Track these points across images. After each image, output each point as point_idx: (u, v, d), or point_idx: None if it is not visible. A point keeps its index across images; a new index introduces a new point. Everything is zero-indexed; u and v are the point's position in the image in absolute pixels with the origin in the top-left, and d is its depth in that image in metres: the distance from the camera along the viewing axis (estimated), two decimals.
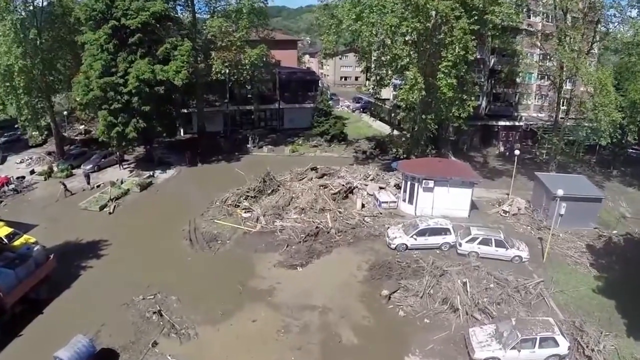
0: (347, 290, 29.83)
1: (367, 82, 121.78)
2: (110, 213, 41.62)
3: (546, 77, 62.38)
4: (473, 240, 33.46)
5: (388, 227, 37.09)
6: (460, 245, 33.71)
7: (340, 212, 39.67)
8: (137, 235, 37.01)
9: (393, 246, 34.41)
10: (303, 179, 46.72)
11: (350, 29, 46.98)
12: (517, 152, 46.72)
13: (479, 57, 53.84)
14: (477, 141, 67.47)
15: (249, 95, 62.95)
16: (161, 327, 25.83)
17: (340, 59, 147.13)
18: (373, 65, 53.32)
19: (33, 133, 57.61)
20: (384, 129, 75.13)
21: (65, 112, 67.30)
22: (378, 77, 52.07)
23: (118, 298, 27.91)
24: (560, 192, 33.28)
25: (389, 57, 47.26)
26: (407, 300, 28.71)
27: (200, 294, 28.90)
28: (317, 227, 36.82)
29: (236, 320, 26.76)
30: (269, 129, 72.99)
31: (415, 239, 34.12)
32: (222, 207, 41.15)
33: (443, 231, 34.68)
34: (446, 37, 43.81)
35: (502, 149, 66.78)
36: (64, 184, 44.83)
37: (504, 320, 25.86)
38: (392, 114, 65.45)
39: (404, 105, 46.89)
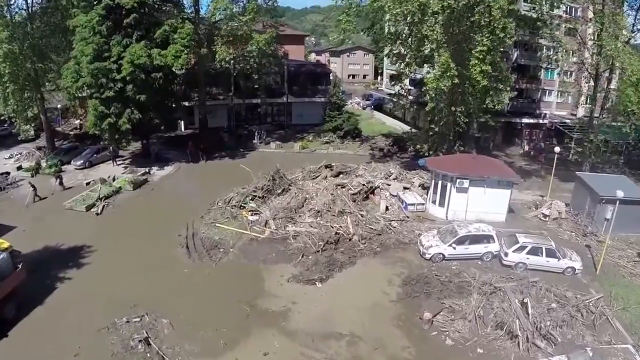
0: (379, 313, 24.58)
1: (379, 77, 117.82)
2: (97, 214, 36.72)
3: (574, 72, 59.21)
4: (521, 249, 28.89)
5: (420, 234, 32.48)
6: (506, 255, 29.17)
7: (362, 216, 34.42)
8: (126, 240, 31.91)
9: (428, 256, 29.62)
10: (316, 177, 41.75)
11: (374, 4, 42.34)
12: (557, 149, 42.04)
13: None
14: (499, 139, 62.63)
15: (257, 86, 57.50)
16: (148, 359, 20.62)
17: (348, 56, 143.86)
18: (393, 53, 47.77)
19: (23, 127, 53.14)
20: (398, 126, 71.70)
21: (59, 106, 63.08)
22: (401, 66, 46.65)
23: (97, 320, 22.77)
24: (620, 194, 28.47)
25: (415, 40, 42.18)
26: (454, 325, 23.68)
27: (197, 316, 23.58)
28: (336, 233, 31.68)
29: (242, 352, 21.39)
30: (276, 124, 68.70)
31: (454, 248, 29.41)
32: (225, 208, 36.06)
33: (485, 238, 30.04)
34: (481, 18, 39.44)
35: (526, 147, 62.34)
36: (32, 186, 39.61)
37: (577, 351, 21.05)
38: (412, 109, 59.98)
39: (432, 95, 41.61)
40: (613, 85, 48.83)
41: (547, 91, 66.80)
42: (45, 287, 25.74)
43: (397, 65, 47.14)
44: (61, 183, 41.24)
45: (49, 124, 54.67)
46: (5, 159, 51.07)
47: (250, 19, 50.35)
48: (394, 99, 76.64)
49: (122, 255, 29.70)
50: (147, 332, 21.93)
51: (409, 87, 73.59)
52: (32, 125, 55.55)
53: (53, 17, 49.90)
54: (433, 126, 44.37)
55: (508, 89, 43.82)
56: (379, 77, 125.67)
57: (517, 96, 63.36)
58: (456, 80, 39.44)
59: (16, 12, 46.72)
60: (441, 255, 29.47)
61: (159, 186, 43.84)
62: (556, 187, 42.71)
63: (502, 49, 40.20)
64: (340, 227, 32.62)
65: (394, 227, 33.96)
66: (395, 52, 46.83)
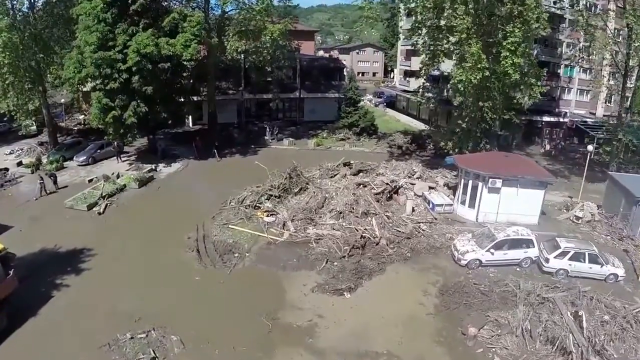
0: (416, 327, 21.64)
1: (392, 73, 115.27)
2: (100, 213, 33.91)
3: (594, 69, 56.83)
4: (563, 254, 26.50)
5: (452, 237, 29.88)
6: (547, 261, 26.72)
7: (388, 217, 31.51)
8: (131, 243, 29.07)
9: (464, 262, 26.99)
10: (335, 175, 38.77)
11: None
12: (590, 147, 39.72)
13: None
14: (519, 138, 59.94)
15: (269, 79, 54.57)
16: None
17: (358, 53, 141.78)
18: (420, 44, 44.71)
19: (25, 122, 51.08)
20: (413, 123, 69.61)
21: (62, 100, 61.56)
22: (426, 58, 43.77)
23: (97, 335, 19.88)
24: None
25: (444, 30, 39.49)
26: (501, 340, 20.80)
27: (212, 332, 20.61)
28: (362, 237, 28.74)
29: None
30: (287, 120, 65.82)
31: (492, 254, 26.85)
32: (239, 208, 33.17)
33: (525, 243, 27.38)
34: (514, 8, 36.91)
35: (547, 147, 59.59)
36: (42, 179, 37.35)
37: None
38: (430, 106, 57.06)
39: (461, 89, 38.80)
40: None
41: (567, 89, 64.56)
42: (40, 295, 22.99)
43: (422, 56, 44.04)
44: (55, 183, 38.33)
45: (51, 119, 52.23)
46: (6, 154, 48.53)
47: (263, 9, 47.43)
48: (414, 96, 74.72)
49: (125, 260, 26.90)
50: (154, 352, 19.02)
51: (427, 84, 71.69)
52: (33, 120, 53.53)
53: (56, 8, 47.60)
54: (460, 122, 41.33)
55: (539, 83, 41.15)
56: (391, 74, 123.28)
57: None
58: (487, 73, 37.16)
59: (17, 1, 44.45)
60: (478, 261, 26.95)
61: (166, 184, 41.04)
62: (583, 188, 40.05)
63: (535, 41, 37.69)
64: (365, 229, 29.74)
65: (423, 230, 31.07)
66: (420, 42, 43.65)
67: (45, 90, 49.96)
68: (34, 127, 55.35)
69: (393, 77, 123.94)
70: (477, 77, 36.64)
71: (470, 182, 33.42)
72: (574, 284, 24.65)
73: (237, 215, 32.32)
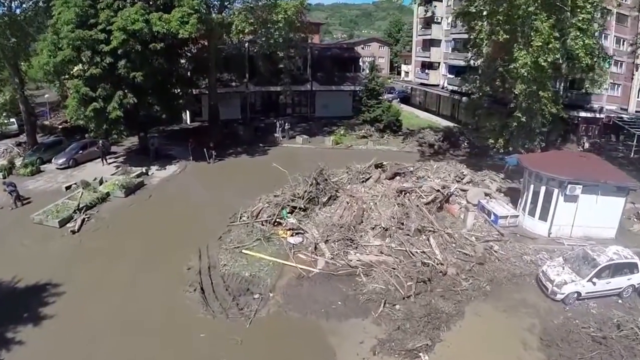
0: None
1: (397, 69, 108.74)
2: (74, 232, 26.48)
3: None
4: None
5: (536, 262, 23.28)
6: None
7: (450, 236, 24.16)
8: (110, 275, 21.67)
9: (560, 297, 20.33)
10: (367, 179, 31.24)
11: None
12: None
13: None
14: (556, 135, 53.51)
15: (282, 66, 46.84)
16: None
17: (363, 48, 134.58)
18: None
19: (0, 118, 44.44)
20: (434, 119, 63.31)
21: (47, 96, 55.50)
22: (480, 35, 36.67)
23: None
24: None
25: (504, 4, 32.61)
26: None
27: None
28: (424, 263, 21.44)
29: None
30: (298, 116, 58.52)
31: (594, 284, 20.55)
32: (253, 225, 25.71)
33: (627, 267, 21.24)
34: None
35: (586, 144, 53.06)
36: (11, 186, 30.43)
37: None
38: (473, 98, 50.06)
39: (524, 75, 31.58)
40: None
41: (600, 83, 58.35)
42: None
43: (473, 35, 36.77)
44: (18, 198, 30.61)
45: (29, 115, 45.33)
46: None
47: None
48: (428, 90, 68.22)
49: (101, 302, 19.46)
50: None
51: (449, 76, 64.75)
52: (7, 115, 46.28)
53: None
54: (519, 114, 34.07)
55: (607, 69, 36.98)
56: (395, 70, 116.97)
57: (569, 87, 55.17)
58: (557, 56, 31.44)
59: None
60: (576, 294, 20.50)
61: (159, 191, 33.62)
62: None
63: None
64: (424, 253, 22.40)
65: (496, 252, 23.69)
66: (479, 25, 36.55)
67: (22, 82, 43.77)
68: (15, 126, 49.00)
69: (400, 73, 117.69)
70: (548, 60, 30.43)
71: (544, 188, 26.43)
72: None
73: (252, 234, 24.73)
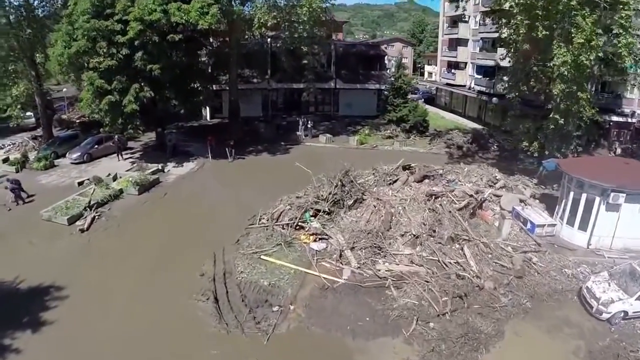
0: None
1: (431, 67, 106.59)
2: (83, 230, 24.97)
3: None
4: None
5: (576, 276, 21.16)
6: None
7: (485, 245, 22.07)
8: (117, 279, 20.08)
9: (606, 316, 18.32)
10: (395, 182, 29.17)
11: None
12: None
13: None
14: (584, 140, 51.05)
15: (305, 62, 44.94)
16: None
17: (386, 48, 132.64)
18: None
19: (14, 111, 42.19)
20: (460, 121, 61.40)
21: (64, 90, 55.07)
22: (507, 37, 34.55)
23: None
24: None
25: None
26: None
27: None
28: (458, 276, 19.44)
29: None
30: (321, 115, 56.49)
31: None
32: (273, 228, 23.90)
33: None
34: None
35: (618, 150, 49.99)
36: (14, 183, 29.04)
37: None
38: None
39: (564, 73, 29.26)
40: None
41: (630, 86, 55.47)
42: None
43: (509, 31, 34.58)
44: (19, 197, 29.00)
45: (45, 108, 44.59)
46: None
47: None
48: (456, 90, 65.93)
49: (104, 311, 17.84)
50: None
51: (477, 76, 62.42)
52: (23, 108, 45.19)
53: None
54: (557, 116, 31.72)
55: None
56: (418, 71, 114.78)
57: (601, 89, 52.74)
58: (600, 54, 29.31)
59: None
60: (622, 313, 18.46)
61: (175, 189, 32.02)
62: None
63: None
64: (458, 263, 20.39)
65: (535, 264, 21.52)
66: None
67: (38, 75, 42.64)
68: (32, 120, 48.42)
69: (423, 74, 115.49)
70: (590, 58, 28.12)
71: (584, 195, 24.13)
72: None
73: (272, 238, 22.87)
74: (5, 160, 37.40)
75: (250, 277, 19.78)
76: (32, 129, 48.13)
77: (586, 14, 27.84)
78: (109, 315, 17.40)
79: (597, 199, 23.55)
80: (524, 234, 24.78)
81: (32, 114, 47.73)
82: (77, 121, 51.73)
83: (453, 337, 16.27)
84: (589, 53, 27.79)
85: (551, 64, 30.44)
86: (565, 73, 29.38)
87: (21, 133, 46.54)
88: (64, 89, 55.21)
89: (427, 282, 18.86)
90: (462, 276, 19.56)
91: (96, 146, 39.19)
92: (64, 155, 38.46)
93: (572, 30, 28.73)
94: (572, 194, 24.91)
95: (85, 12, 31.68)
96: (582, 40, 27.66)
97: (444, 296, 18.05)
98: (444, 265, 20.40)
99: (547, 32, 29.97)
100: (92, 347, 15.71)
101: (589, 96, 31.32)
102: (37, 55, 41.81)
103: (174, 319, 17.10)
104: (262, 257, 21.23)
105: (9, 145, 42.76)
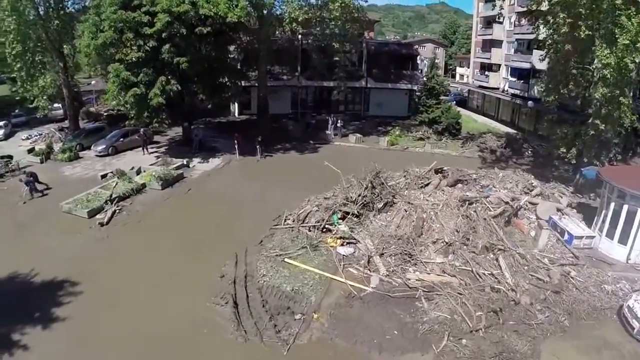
0: None
1: (462, 69, 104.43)
2: (102, 224, 24.31)
3: None
4: None
5: (617, 293, 19.39)
6: None
7: (521, 256, 20.61)
8: (133, 277, 19.24)
9: None
10: (426, 185, 27.75)
11: None
12: None
13: None
14: (619, 148, 48.72)
15: (336, 59, 43.82)
16: None
17: (418, 49, 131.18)
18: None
19: (41, 102, 42.05)
20: (493, 124, 59.55)
21: (93, 82, 55.79)
22: (547, 38, 32.92)
23: None
24: None
25: None
26: None
27: None
28: (493, 289, 18.16)
29: None
30: (351, 114, 55.39)
31: None
32: (299, 230, 22.80)
33: None
34: None
35: None
36: (31, 176, 28.74)
37: None
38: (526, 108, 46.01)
39: (607, 76, 27.44)
40: None
41: None
42: None
43: (549, 31, 32.86)
44: (34, 189, 28.43)
45: (72, 100, 44.67)
46: (22, 139, 42.09)
47: None
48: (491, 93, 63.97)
49: (118, 310, 16.96)
50: None
51: (511, 79, 60.45)
52: (49, 99, 45.06)
53: None
54: (598, 122, 29.89)
55: None
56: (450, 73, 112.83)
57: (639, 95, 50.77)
58: None
59: None
60: None
61: (199, 185, 31.24)
62: None
63: None
64: (492, 275, 18.99)
65: (573, 279, 19.96)
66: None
67: (66, 67, 42.80)
68: (61, 111, 48.59)
69: (454, 76, 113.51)
70: (636, 61, 26.43)
71: (626, 207, 22.28)
72: None
73: (296, 241, 21.75)
74: (31, 151, 37.28)
75: (272, 281, 18.66)
76: (60, 120, 48.32)
77: (632, 14, 26.14)
78: (121, 316, 16.52)
79: (639, 211, 21.81)
80: (561, 246, 23.07)
81: (60, 105, 47.88)
82: (105, 114, 51.62)
83: (487, 356, 14.88)
84: (634, 55, 26.09)
85: (592, 67, 28.82)
86: (608, 76, 27.64)
87: (49, 124, 46.72)
88: (93, 82, 55.86)
89: (461, 294, 17.49)
90: (497, 289, 18.14)
91: (122, 139, 38.93)
92: (89, 148, 38.29)
93: (617, 31, 26.98)
94: (612, 204, 23.09)
95: (113, 3, 31.28)
96: (627, 42, 25.94)
97: (478, 310, 16.64)
98: (478, 277, 19.00)
99: (590, 32, 28.22)
100: (102, 349, 14.83)
101: (630, 101, 29.41)
102: (65, 47, 41.80)
103: (189, 324, 16.04)
104: (285, 260, 20.09)
105: (36, 135, 42.74)
